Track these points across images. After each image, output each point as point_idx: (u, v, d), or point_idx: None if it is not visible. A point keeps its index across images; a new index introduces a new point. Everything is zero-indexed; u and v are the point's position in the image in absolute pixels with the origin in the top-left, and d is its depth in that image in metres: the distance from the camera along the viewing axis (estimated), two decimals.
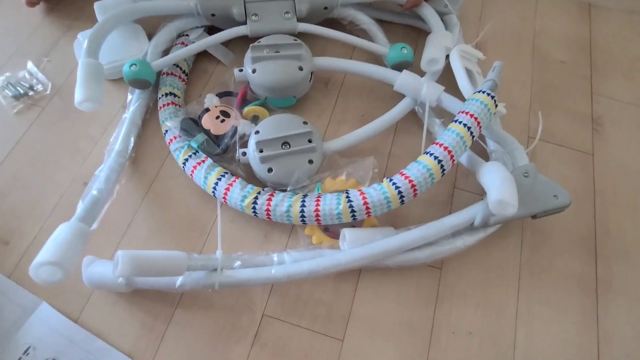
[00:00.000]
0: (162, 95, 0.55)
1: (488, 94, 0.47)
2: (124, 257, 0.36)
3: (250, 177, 0.51)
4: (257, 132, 0.49)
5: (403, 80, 0.54)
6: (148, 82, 0.53)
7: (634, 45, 0.69)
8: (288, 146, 0.49)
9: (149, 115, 0.57)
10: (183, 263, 0.40)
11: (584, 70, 0.65)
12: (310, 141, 0.49)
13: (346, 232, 0.45)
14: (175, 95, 0.56)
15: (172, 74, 0.57)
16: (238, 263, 0.44)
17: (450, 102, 0.53)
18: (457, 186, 0.54)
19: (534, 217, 0.48)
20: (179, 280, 0.42)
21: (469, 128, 0.46)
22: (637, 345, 0.46)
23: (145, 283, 0.43)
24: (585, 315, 0.48)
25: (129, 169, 0.54)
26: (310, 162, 0.48)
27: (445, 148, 0.45)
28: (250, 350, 0.44)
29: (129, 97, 0.56)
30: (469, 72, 0.55)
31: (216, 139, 0.51)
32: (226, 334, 0.45)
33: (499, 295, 0.48)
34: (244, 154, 0.50)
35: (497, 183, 0.42)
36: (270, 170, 0.48)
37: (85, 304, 0.46)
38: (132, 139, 0.52)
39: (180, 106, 0.56)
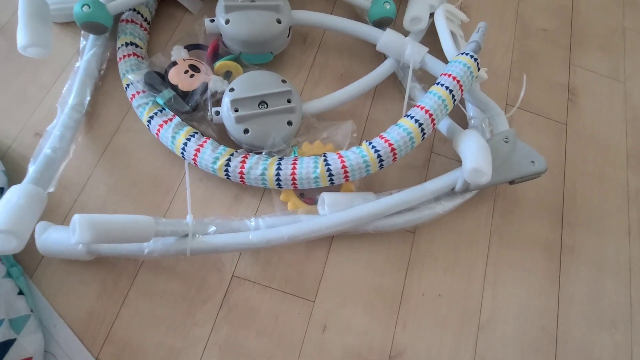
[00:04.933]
0: (122, 45, 0.50)
1: (471, 56, 0.46)
2: (82, 222, 0.33)
3: (222, 138, 0.48)
4: (231, 90, 0.46)
5: (386, 39, 0.51)
6: (103, 27, 0.48)
7: (612, 18, 0.69)
8: (265, 106, 0.46)
9: (108, 68, 0.51)
10: (150, 228, 0.37)
11: (564, 39, 0.65)
12: (289, 101, 0.46)
13: (325, 196, 0.44)
14: (137, 46, 0.51)
15: (132, 21, 0.52)
16: (213, 228, 0.42)
17: (433, 65, 0.51)
18: (434, 151, 0.54)
19: (511, 182, 0.48)
20: (148, 246, 0.40)
21: (450, 91, 0.44)
22: (593, 306, 0.49)
23: (109, 250, 0.40)
24: (549, 279, 0.50)
25: (86, 125, 0.49)
26: (290, 123, 0.46)
27: (427, 111, 0.43)
28: (218, 312, 0.43)
29: (82, 43, 0.50)
30: (451, 34, 0.53)
31: (185, 96, 0.47)
32: (193, 295, 0.44)
33: (468, 259, 0.49)
34: (218, 113, 0.46)
35: (473, 151, 0.42)
36: (246, 131, 0.45)
37: (39, 263, 0.43)
38: (88, 92, 0.48)
39: (143, 58, 0.51)
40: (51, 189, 0.41)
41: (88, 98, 0.47)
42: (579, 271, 0.51)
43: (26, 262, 0.42)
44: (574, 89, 0.62)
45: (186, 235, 0.40)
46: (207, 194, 0.48)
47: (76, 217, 0.33)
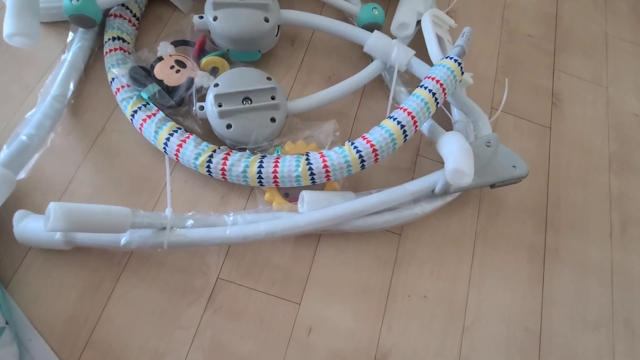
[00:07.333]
0: (109, 40, 0.50)
1: (455, 60, 0.46)
2: (56, 210, 0.33)
3: (208, 133, 0.47)
4: (216, 85, 0.46)
5: (374, 41, 0.52)
6: (92, 21, 0.48)
7: (595, 25, 0.70)
8: (249, 102, 0.46)
9: (94, 62, 0.51)
10: (126, 219, 0.37)
11: (548, 45, 0.66)
12: (273, 98, 0.46)
13: (305, 194, 0.44)
14: (124, 41, 0.51)
15: (120, 16, 0.51)
16: (190, 222, 0.42)
17: (419, 68, 0.52)
18: (420, 154, 0.54)
19: (492, 186, 0.48)
20: (124, 237, 0.39)
21: (433, 94, 0.45)
22: (576, 308, 0.50)
23: (86, 240, 0.40)
24: (533, 281, 0.50)
25: (70, 120, 0.49)
26: (273, 120, 0.46)
27: (409, 113, 0.44)
28: (203, 314, 0.43)
29: (70, 36, 0.50)
30: (439, 39, 0.53)
31: (170, 91, 0.47)
32: (177, 297, 0.43)
33: (454, 260, 0.49)
34: (202, 107, 0.46)
35: (455, 152, 0.42)
36: (229, 126, 0.45)
37: (16, 270, 0.42)
38: (72, 84, 0.47)
39: (129, 53, 0.51)
40: (22, 175, 0.41)
41: (71, 89, 0.47)
42: (562, 273, 0.51)
43: (2, 271, 0.41)
44: (558, 94, 0.63)
45: (164, 229, 0.40)
46: (192, 195, 0.47)
47: (51, 205, 0.33)
